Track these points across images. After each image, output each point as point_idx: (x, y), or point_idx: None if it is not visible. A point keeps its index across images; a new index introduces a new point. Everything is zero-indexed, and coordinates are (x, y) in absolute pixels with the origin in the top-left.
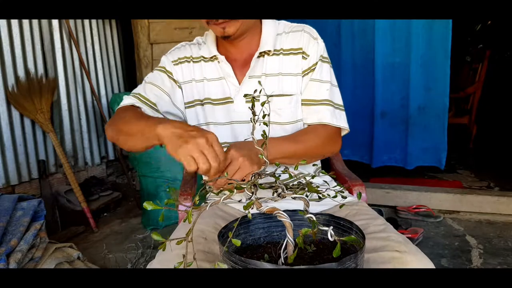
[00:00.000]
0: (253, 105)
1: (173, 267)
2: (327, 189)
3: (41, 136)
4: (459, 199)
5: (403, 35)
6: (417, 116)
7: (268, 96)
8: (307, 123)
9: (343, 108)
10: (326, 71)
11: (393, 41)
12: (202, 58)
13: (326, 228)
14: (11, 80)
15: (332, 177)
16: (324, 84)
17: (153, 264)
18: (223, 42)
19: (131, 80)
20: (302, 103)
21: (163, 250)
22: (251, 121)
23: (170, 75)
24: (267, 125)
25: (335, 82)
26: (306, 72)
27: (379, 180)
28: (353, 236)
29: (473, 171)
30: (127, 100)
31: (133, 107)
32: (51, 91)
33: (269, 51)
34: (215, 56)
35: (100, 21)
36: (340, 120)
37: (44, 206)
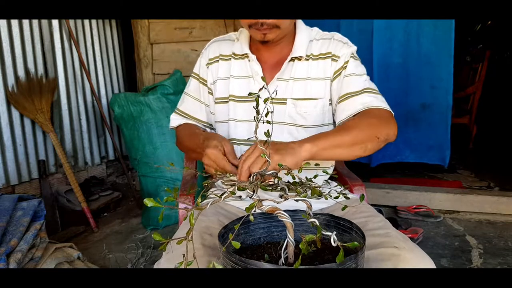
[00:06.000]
0: (257, 104)
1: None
2: (330, 189)
3: (41, 136)
4: (459, 199)
5: (404, 34)
6: (420, 114)
7: (271, 96)
8: (354, 113)
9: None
10: (360, 67)
11: (392, 41)
12: (232, 55)
13: (329, 234)
14: (11, 80)
15: (334, 177)
16: (361, 76)
17: (161, 264)
18: (256, 43)
19: (131, 80)
20: (342, 100)
21: (165, 250)
22: (255, 120)
23: (205, 83)
24: (269, 123)
25: (368, 76)
26: (339, 72)
27: (379, 180)
28: (356, 243)
29: (473, 171)
30: (175, 121)
31: (185, 125)
32: (51, 91)
33: (301, 56)
34: (246, 54)
35: (100, 21)
36: (387, 104)
37: (44, 206)
